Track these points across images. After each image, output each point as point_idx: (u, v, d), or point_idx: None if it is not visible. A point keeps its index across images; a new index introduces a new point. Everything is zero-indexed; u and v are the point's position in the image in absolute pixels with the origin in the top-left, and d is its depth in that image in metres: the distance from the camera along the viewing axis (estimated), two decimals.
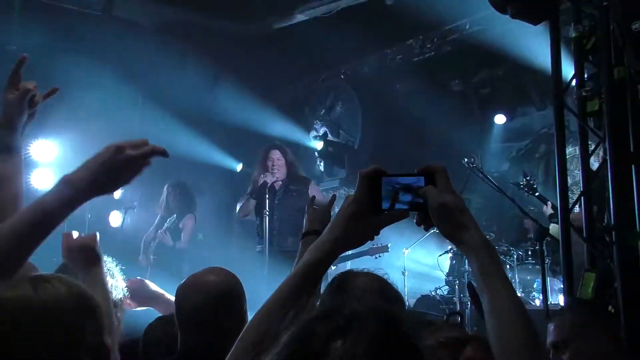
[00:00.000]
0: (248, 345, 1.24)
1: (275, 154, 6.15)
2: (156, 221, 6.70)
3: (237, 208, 6.39)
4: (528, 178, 5.97)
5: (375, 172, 1.29)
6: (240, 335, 1.28)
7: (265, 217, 5.86)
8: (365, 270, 1.97)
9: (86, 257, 1.97)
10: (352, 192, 1.32)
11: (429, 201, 1.24)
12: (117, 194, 7.38)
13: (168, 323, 2.34)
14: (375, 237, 1.34)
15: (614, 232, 3.77)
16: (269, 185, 5.96)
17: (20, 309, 1.32)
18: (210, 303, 2.13)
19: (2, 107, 2.10)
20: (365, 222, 1.29)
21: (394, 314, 0.97)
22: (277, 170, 6.06)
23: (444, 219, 1.24)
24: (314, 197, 3.03)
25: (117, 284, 2.25)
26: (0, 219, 2.04)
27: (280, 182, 6.12)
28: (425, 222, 1.29)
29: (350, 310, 0.94)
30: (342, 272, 1.95)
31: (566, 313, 2.92)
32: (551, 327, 2.55)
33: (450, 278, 6.95)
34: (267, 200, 5.89)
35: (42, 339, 1.31)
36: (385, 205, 1.27)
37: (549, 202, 6.01)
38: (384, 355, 0.90)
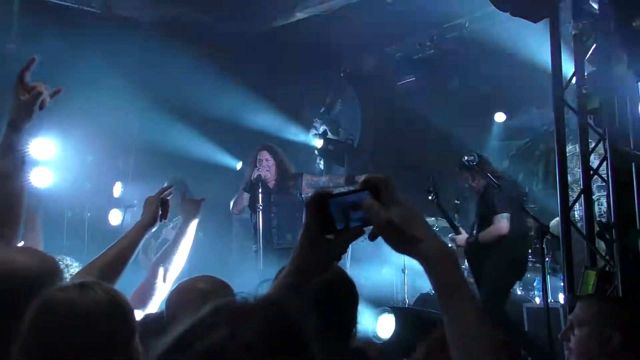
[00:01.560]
0: None
1: (264, 155, 6.10)
2: None
3: (231, 205, 6.33)
4: (434, 196, 5.90)
5: (319, 196, 1.23)
6: None
7: (259, 211, 5.81)
8: None
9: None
10: (350, 190, 1.29)
11: (372, 220, 1.15)
12: (117, 192, 7.37)
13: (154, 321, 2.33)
14: (341, 258, 1.29)
15: (614, 230, 3.77)
16: (262, 178, 5.91)
17: (67, 309, 1.53)
18: (197, 310, 2.13)
19: (12, 107, 2.17)
20: (323, 246, 1.24)
21: (283, 306, 0.98)
22: (267, 171, 6.01)
23: (392, 236, 1.14)
24: None
25: None
26: (3, 214, 2.09)
27: (274, 181, 6.10)
28: (378, 237, 1.20)
29: (235, 305, 0.97)
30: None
31: (597, 298, 2.92)
32: (579, 304, 2.55)
33: None
34: (260, 195, 5.83)
35: (81, 338, 1.50)
36: (340, 225, 1.21)
37: (461, 233, 5.99)
38: (261, 347, 0.91)
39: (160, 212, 2.57)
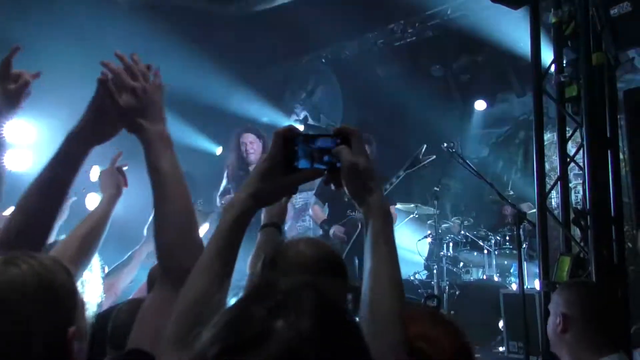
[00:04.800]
0: (185, 308, 1.25)
1: (249, 137, 5.80)
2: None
3: (217, 198, 5.98)
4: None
5: (290, 131, 1.30)
6: (178, 299, 1.28)
7: None
8: (298, 239, 1.96)
9: None
10: (322, 134, 1.33)
11: (341, 161, 1.28)
12: (95, 176, 7.30)
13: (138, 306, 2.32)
14: (293, 195, 1.37)
15: (589, 217, 3.81)
16: (252, 163, 5.66)
17: None
18: None
19: None
20: (279, 179, 1.30)
21: (324, 286, 0.94)
22: (252, 154, 5.72)
23: (353, 180, 1.28)
24: None
25: (93, 279, 2.27)
26: None
27: None
28: (333, 182, 1.32)
29: (285, 286, 0.91)
30: (274, 247, 1.94)
31: (560, 285, 2.98)
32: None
33: (429, 263, 7.01)
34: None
35: None
36: (302, 164, 1.30)
37: None
38: (327, 329, 0.87)
39: (121, 181, 2.50)
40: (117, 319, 2.26)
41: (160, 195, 1.59)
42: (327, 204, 6.26)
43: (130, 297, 3.10)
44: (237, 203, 1.31)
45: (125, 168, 2.48)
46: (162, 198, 1.59)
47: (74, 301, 1.38)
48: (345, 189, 1.30)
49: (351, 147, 1.29)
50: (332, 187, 1.34)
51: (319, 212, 6.27)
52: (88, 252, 2.17)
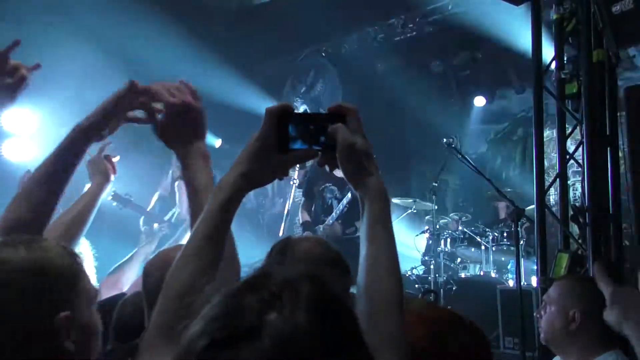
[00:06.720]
0: (173, 295, 1.20)
1: None
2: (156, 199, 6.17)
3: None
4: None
5: (284, 109, 1.21)
6: (163, 287, 1.23)
7: None
8: (305, 236, 2.00)
9: None
10: (316, 113, 1.26)
11: (338, 141, 1.19)
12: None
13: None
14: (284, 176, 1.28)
15: (587, 214, 3.82)
16: None
17: None
18: None
19: None
20: (270, 160, 1.22)
21: (323, 277, 0.89)
22: None
23: (350, 161, 1.20)
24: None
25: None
26: None
27: None
28: (329, 163, 1.24)
29: (280, 277, 0.85)
30: (282, 239, 1.94)
31: (568, 278, 2.97)
32: (553, 284, 2.60)
33: (426, 258, 7.01)
34: None
35: None
36: (295, 144, 1.21)
37: None
38: (323, 322, 0.81)
39: (109, 169, 2.47)
40: (123, 311, 2.26)
41: (197, 208, 1.53)
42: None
43: (125, 289, 3.13)
44: (226, 185, 1.23)
45: (116, 159, 2.45)
46: (199, 210, 1.59)
47: (69, 287, 1.35)
48: (341, 170, 1.22)
49: (348, 126, 1.21)
50: (327, 168, 1.26)
51: (306, 214, 6.38)
52: (73, 239, 2.16)
